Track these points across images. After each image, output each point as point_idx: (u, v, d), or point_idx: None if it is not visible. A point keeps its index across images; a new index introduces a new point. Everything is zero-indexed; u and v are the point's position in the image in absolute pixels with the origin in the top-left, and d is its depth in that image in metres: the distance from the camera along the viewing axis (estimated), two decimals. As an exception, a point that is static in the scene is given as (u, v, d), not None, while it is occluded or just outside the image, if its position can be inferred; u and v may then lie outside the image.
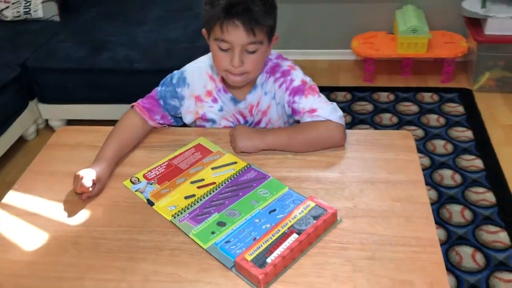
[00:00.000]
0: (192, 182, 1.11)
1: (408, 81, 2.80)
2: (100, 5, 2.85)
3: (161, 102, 1.26)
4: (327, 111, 1.16)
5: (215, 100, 1.27)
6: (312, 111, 1.16)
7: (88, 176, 1.06)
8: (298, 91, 1.19)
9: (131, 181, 1.13)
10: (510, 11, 2.40)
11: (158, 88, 1.28)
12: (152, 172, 1.15)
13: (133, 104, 1.26)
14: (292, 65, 1.25)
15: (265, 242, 0.91)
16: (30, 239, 1.00)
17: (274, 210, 1.01)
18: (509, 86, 2.59)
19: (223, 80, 1.24)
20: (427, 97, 2.64)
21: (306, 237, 0.91)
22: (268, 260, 0.87)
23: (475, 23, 2.54)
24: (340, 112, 1.18)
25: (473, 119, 2.44)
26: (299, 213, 0.97)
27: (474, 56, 2.58)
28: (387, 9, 2.83)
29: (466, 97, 2.61)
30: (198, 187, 1.09)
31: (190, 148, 1.21)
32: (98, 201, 1.08)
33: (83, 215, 1.05)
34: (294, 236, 0.92)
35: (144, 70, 2.23)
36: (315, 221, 0.94)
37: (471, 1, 2.54)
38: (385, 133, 1.24)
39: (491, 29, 2.42)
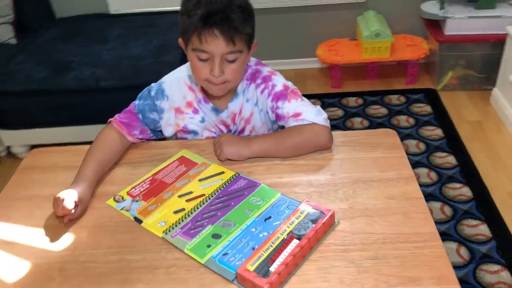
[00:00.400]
0: (180, 196, 1.06)
1: (375, 85, 2.84)
2: (58, 26, 2.76)
3: (140, 116, 1.21)
4: (312, 114, 1.14)
5: (196, 111, 1.23)
6: (297, 115, 1.15)
7: (70, 197, 1.00)
8: (280, 96, 1.18)
9: (114, 199, 1.07)
10: (467, 11, 2.48)
11: (136, 102, 1.22)
12: (136, 189, 1.10)
13: (110, 119, 1.21)
14: (272, 71, 1.23)
15: (266, 250, 0.88)
16: (11, 270, 0.93)
17: (270, 217, 0.98)
18: (471, 83, 2.67)
19: (202, 90, 1.21)
20: (394, 99, 2.68)
21: (307, 242, 0.89)
22: (271, 268, 0.84)
23: (434, 25, 2.61)
24: (325, 115, 1.16)
25: (441, 117, 2.49)
26: (297, 218, 0.94)
27: (436, 57, 2.65)
28: (348, 16, 2.88)
29: (431, 96, 2.67)
30: (187, 200, 1.05)
31: (173, 161, 1.17)
32: (81, 223, 1.02)
33: (67, 239, 0.98)
34: (295, 241, 0.89)
35: (111, 88, 2.16)
36: (314, 225, 0.92)
37: (429, 4, 2.61)
38: (369, 133, 1.23)
39: (451, 29, 2.49)
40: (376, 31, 2.59)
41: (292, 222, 0.93)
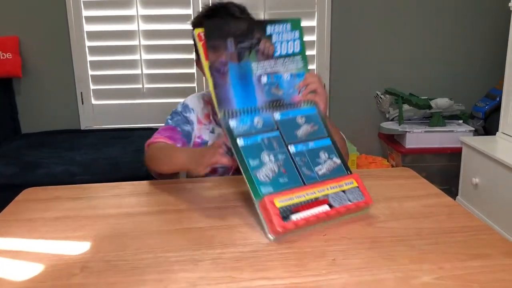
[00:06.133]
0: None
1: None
2: (23, 139, 2.70)
3: (178, 129, 1.26)
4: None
5: (210, 122, 1.31)
6: None
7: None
8: None
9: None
10: (423, 127, 2.73)
11: (169, 121, 1.28)
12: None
13: (149, 141, 1.22)
14: None
15: (298, 197, 0.84)
16: (25, 271, 0.78)
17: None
18: (433, 196, 2.78)
19: None
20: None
21: (335, 213, 0.86)
22: (293, 217, 0.81)
23: (394, 141, 2.82)
24: None
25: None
26: (339, 186, 0.91)
27: (398, 171, 2.80)
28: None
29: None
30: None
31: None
32: (95, 234, 0.90)
33: (84, 246, 0.85)
34: (325, 207, 0.86)
35: (87, 182, 2.05)
36: (349, 203, 0.89)
37: (388, 123, 2.85)
38: (384, 170, 1.25)
39: (411, 143, 2.70)
40: (342, 145, 2.74)
41: (334, 187, 0.90)
